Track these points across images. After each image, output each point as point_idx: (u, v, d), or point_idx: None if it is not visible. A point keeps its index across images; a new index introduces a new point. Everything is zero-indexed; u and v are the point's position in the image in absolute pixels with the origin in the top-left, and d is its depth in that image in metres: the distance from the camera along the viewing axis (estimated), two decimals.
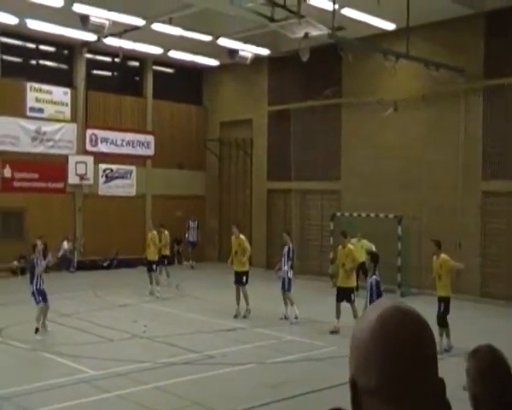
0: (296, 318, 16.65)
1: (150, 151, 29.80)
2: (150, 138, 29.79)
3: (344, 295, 15.65)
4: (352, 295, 15.64)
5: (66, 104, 27.03)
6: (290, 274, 17.16)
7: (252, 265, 24.91)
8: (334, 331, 15.44)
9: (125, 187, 28.88)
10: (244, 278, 17.39)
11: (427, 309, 13.01)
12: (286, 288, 16.99)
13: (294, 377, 12.12)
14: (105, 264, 26.74)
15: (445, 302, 14.03)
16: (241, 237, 18.04)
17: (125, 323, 16.29)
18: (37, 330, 14.51)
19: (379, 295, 11.17)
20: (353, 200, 24.59)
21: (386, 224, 22.24)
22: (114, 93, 28.79)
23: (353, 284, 16.01)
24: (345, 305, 15.61)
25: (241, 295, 17.36)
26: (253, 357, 13.36)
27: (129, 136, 29.10)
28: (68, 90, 27.17)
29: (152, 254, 20.95)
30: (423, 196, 22.61)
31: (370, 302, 10.76)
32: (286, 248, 17.39)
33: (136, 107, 29.71)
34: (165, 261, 22.86)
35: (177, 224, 28.14)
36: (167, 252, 23.10)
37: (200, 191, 31.64)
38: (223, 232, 30.30)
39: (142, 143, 29.54)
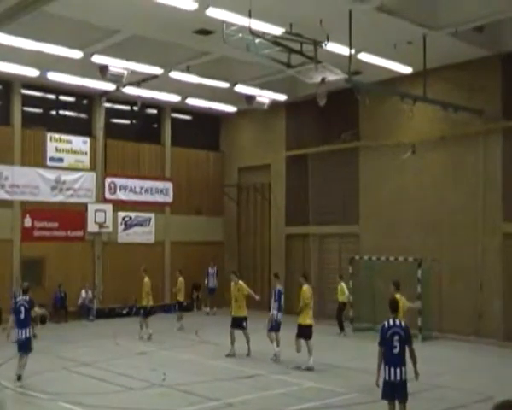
0: (275, 356, 17.29)
1: (169, 198, 29.95)
2: (169, 185, 29.97)
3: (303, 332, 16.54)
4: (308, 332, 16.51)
5: (86, 153, 27.34)
6: (279, 316, 17.73)
7: (269, 309, 24.75)
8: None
9: (144, 234, 28.96)
10: (244, 323, 18.12)
11: (448, 353, 12.77)
12: (274, 328, 17.58)
13: None
14: (124, 311, 26.66)
15: None
16: (240, 282, 18.75)
17: (145, 371, 16.12)
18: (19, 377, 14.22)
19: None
20: (372, 243, 24.44)
21: (405, 267, 21.98)
22: (133, 141, 29.12)
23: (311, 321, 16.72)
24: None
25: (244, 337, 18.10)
26: (273, 405, 13.11)
27: (147, 183, 29.30)
28: (88, 139, 27.51)
29: (144, 301, 21.85)
30: (443, 238, 22.39)
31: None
32: (274, 291, 18.16)
33: (154, 154, 29.96)
34: (177, 307, 23.78)
35: (196, 270, 28.08)
36: (181, 298, 23.69)
37: (219, 237, 31.63)
38: (242, 278, 29.94)
39: (160, 190, 29.71)
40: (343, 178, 26.12)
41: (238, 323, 18.12)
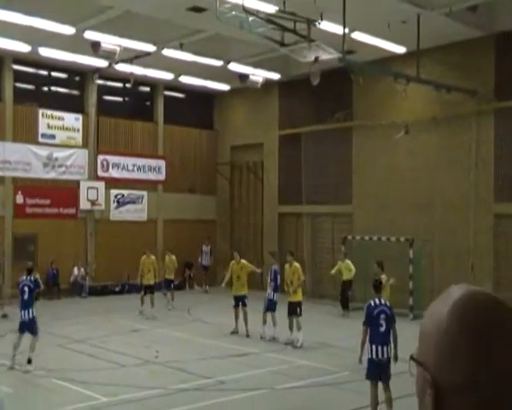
0: (264, 336, 17.32)
1: (161, 176, 29.89)
2: (161, 163, 29.89)
3: (292, 309, 16.72)
4: (298, 309, 16.71)
5: (78, 130, 27.21)
6: (275, 296, 17.60)
7: (263, 289, 24.81)
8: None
9: (137, 212, 28.94)
10: (245, 300, 18.26)
11: None
12: (269, 309, 17.46)
13: (306, 402, 12.00)
14: (117, 289, 26.68)
15: None
16: (243, 261, 18.85)
17: (138, 348, 16.22)
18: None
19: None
20: (365, 223, 24.52)
21: (397, 247, 22.12)
22: (125, 118, 28.97)
23: (301, 298, 17.01)
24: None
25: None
26: (264, 383, 13.23)
27: (140, 161, 29.22)
28: (80, 116, 27.36)
29: (152, 278, 21.63)
30: (435, 218, 22.51)
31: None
32: (270, 271, 18.19)
33: (147, 132, 29.85)
34: (172, 286, 23.42)
35: (189, 248, 28.13)
36: (172, 276, 23.50)
37: (212, 215, 31.64)
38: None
39: (153, 168, 29.63)
40: (336, 158, 26.12)
41: (241, 300, 18.15)
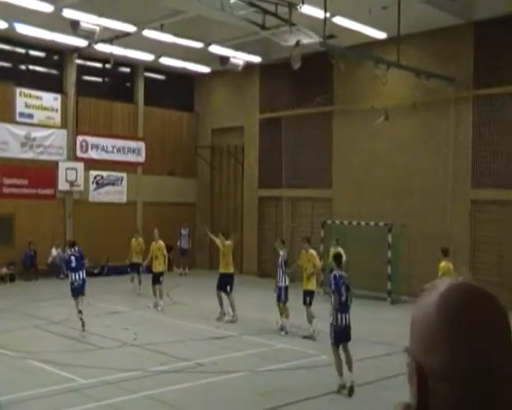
0: (286, 332, 16.31)
1: (141, 158, 29.74)
2: (141, 145, 29.73)
3: (304, 298, 16.21)
4: (308, 298, 16.12)
5: (57, 110, 26.94)
6: (282, 284, 16.75)
7: (242, 272, 24.92)
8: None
9: (116, 194, 28.80)
10: (230, 281, 18.01)
11: None
12: (280, 298, 16.54)
13: (285, 385, 12.08)
14: (95, 271, 26.53)
15: None
16: (227, 242, 18.63)
17: (116, 330, 16.21)
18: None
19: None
20: (344, 207, 24.65)
21: (376, 232, 22.30)
22: (105, 99, 28.74)
23: (313, 287, 16.44)
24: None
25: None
26: (243, 365, 13.31)
27: (120, 142, 29.03)
28: (58, 96, 27.08)
29: (159, 266, 20.14)
30: (413, 203, 22.70)
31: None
32: (279, 259, 17.30)
33: (127, 113, 29.66)
34: (140, 269, 22.35)
35: (168, 231, 28.05)
36: (140, 260, 22.40)
37: (192, 198, 31.58)
38: None
39: (132, 150, 29.47)
40: (316, 143, 26.17)
41: (226, 281, 17.79)
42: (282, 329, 16.38)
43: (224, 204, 30.82)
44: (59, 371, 12.40)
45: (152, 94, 30.23)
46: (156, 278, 19.90)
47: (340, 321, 11.39)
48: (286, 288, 16.55)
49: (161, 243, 20.41)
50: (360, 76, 23.97)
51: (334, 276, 11.59)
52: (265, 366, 13.30)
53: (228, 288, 17.86)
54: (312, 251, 16.79)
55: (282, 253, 17.19)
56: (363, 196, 24.03)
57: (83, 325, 15.76)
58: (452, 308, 1.21)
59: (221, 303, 17.73)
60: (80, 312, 15.94)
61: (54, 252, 26.29)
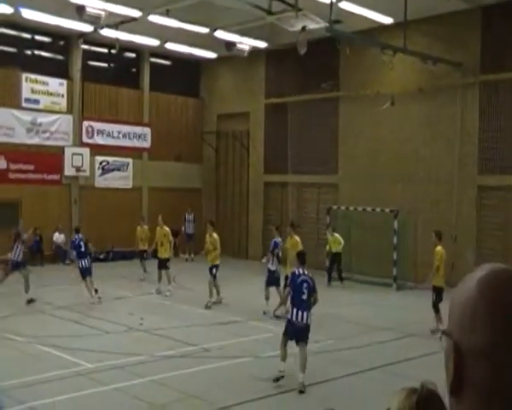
0: (264, 312, 16.59)
1: (147, 143, 29.73)
2: (147, 131, 29.71)
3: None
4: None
5: (62, 95, 26.92)
6: (272, 268, 17.15)
7: (248, 258, 24.99)
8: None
9: (122, 179, 28.83)
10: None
11: (422, 303, 13.13)
12: (270, 283, 16.95)
13: (288, 371, 12.13)
14: (101, 256, 26.58)
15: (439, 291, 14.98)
16: (214, 235, 18.47)
17: (122, 315, 16.30)
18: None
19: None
20: (350, 193, 24.61)
21: (382, 218, 22.29)
22: (111, 85, 28.69)
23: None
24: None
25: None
26: (248, 350, 13.38)
27: (125, 128, 29.02)
28: (64, 82, 27.05)
29: (165, 252, 20.14)
30: (419, 189, 22.64)
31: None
32: (272, 244, 17.63)
33: (132, 99, 29.62)
34: (145, 256, 22.57)
35: (174, 216, 28.09)
36: (146, 247, 22.55)
37: (197, 184, 31.59)
38: (219, 224, 30.26)
39: (138, 136, 29.46)
40: (322, 128, 26.10)
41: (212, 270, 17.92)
42: (264, 313, 16.58)
43: (229, 189, 30.82)
44: (66, 355, 12.50)
45: (158, 79, 30.18)
46: (162, 264, 19.97)
47: (295, 317, 11.14)
48: (275, 272, 16.97)
49: (166, 228, 20.44)
50: (366, 62, 23.85)
51: (293, 273, 11.49)
52: (270, 351, 13.32)
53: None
54: (297, 238, 17.06)
55: (276, 239, 17.56)
56: (369, 182, 23.97)
57: (99, 297, 17.71)
58: (493, 290, 1.26)
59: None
60: (96, 291, 17.77)
61: (56, 237, 26.29)
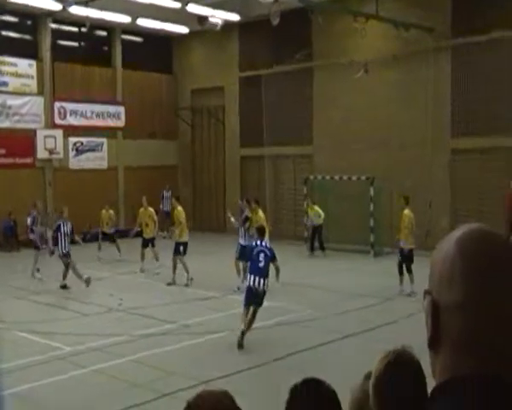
0: (238, 288, 16.21)
1: (121, 122, 29.39)
2: (120, 109, 29.35)
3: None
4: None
5: (32, 77, 26.45)
6: (244, 243, 16.97)
7: (225, 232, 24.93)
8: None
9: (97, 160, 28.51)
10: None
11: (396, 267, 13.06)
12: (241, 258, 16.70)
13: (269, 342, 12.19)
14: (77, 238, 26.19)
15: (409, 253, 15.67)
16: (179, 208, 18.20)
17: (101, 296, 16.21)
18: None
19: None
20: (326, 163, 24.64)
21: (358, 185, 22.38)
22: (82, 64, 28.23)
23: None
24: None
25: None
26: (228, 325, 13.35)
27: (98, 107, 28.65)
28: (34, 62, 26.57)
29: (150, 232, 20.20)
30: (394, 156, 22.75)
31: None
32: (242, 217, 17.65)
33: (105, 77, 29.24)
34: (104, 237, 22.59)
35: (151, 194, 27.87)
36: (111, 230, 22.74)
37: (173, 160, 31.39)
38: (196, 201, 30.27)
39: (112, 115, 29.11)
40: (297, 99, 26.02)
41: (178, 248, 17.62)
42: (238, 288, 16.14)
43: (205, 165, 30.70)
44: (45, 340, 12.40)
45: (130, 57, 29.78)
46: (147, 243, 20.01)
47: (252, 283, 11.81)
48: (246, 247, 16.38)
49: (151, 209, 20.62)
50: (339, 30, 23.73)
51: (251, 245, 12.49)
52: None
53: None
54: (261, 214, 17.16)
55: (246, 212, 17.57)
56: (344, 151, 24.00)
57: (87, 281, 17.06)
58: (469, 246, 1.28)
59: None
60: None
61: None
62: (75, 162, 27.78)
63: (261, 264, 11.90)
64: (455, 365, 1.25)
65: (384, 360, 2.51)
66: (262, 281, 11.83)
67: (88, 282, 16.98)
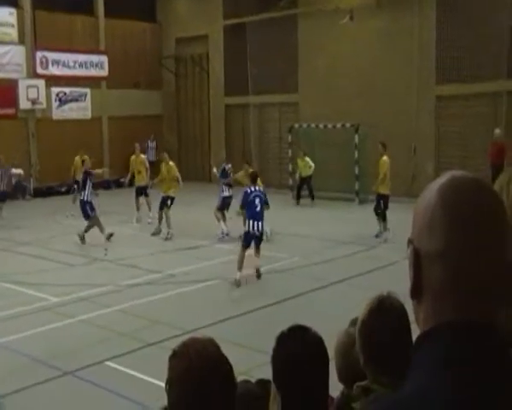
0: (222, 234, 16.79)
1: (104, 72, 28.95)
2: (104, 59, 28.87)
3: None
4: None
5: (13, 25, 25.89)
6: (226, 193, 17.29)
7: (211, 181, 24.87)
8: None
9: (80, 110, 28.15)
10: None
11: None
12: (221, 207, 17.11)
13: (257, 290, 12.27)
14: (63, 189, 26.10)
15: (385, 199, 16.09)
16: (171, 163, 18.10)
17: (86, 247, 16.18)
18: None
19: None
20: (311, 111, 24.52)
21: (343, 133, 22.34)
22: (64, 12, 27.59)
23: None
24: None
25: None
26: (215, 273, 13.43)
27: (81, 57, 28.19)
28: (14, 10, 25.98)
29: (143, 179, 19.93)
30: (379, 103, 22.66)
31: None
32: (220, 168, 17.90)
33: (87, 26, 28.69)
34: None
35: (134, 144, 27.65)
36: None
37: (158, 110, 31.09)
38: (182, 150, 30.10)
39: (95, 64, 28.66)
40: (282, 47, 25.71)
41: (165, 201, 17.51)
42: (227, 234, 16.78)
43: (190, 114, 30.46)
44: (31, 291, 12.42)
45: (113, 5, 29.09)
46: (140, 191, 19.85)
47: (252, 228, 12.56)
48: (229, 197, 17.29)
49: (142, 156, 20.56)
50: None
51: (245, 192, 12.99)
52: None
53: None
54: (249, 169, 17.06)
55: (225, 164, 18.02)
56: (330, 99, 23.85)
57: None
58: (450, 194, 1.27)
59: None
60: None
61: (13, 172, 25.44)
62: (58, 113, 27.42)
63: (258, 208, 12.63)
64: (436, 313, 1.26)
65: (369, 306, 2.54)
66: (260, 224, 12.60)
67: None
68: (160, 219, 17.51)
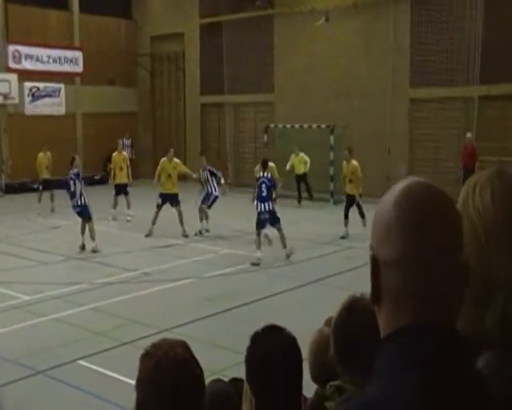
0: (207, 230, 17.19)
1: (79, 68, 28.68)
2: (78, 54, 28.60)
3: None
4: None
5: None
6: (215, 192, 17.45)
7: (186, 180, 24.77)
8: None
9: (54, 106, 27.84)
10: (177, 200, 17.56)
11: (357, 215, 13.37)
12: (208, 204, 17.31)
13: (232, 289, 12.26)
14: (35, 186, 25.77)
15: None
16: (175, 159, 18.03)
17: (59, 245, 16.04)
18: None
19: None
20: (287, 111, 24.61)
21: (319, 134, 22.42)
22: (38, 6, 27.33)
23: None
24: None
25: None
26: (190, 272, 13.42)
27: (55, 52, 27.89)
28: None
29: (125, 177, 19.76)
30: (354, 104, 22.84)
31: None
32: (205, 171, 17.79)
33: (61, 21, 28.47)
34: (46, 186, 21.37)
35: (109, 142, 27.49)
36: (49, 175, 21.55)
37: (133, 108, 30.94)
38: (157, 149, 29.94)
39: (69, 60, 28.38)
40: (258, 47, 25.79)
41: (170, 199, 17.38)
42: (207, 230, 17.17)
43: (166, 112, 30.37)
44: (1, 289, 12.25)
45: (87, 0, 28.88)
46: (121, 190, 19.66)
47: (261, 209, 14.05)
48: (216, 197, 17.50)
49: (124, 153, 20.49)
50: None
51: (257, 178, 14.73)
52: (213, 271, 13.44)
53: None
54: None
55: (209, 166, 18.02)
56: (305, 99, 23.97)
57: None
58: (406, 202, 1.29)
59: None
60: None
61: None
62: (31, 108, 27.09)
63: (264, 193, 14.16)
64: (395, 318, 1.29)
65: (342, 306, 2.57)
66: (267, 204, 14.07)
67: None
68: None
